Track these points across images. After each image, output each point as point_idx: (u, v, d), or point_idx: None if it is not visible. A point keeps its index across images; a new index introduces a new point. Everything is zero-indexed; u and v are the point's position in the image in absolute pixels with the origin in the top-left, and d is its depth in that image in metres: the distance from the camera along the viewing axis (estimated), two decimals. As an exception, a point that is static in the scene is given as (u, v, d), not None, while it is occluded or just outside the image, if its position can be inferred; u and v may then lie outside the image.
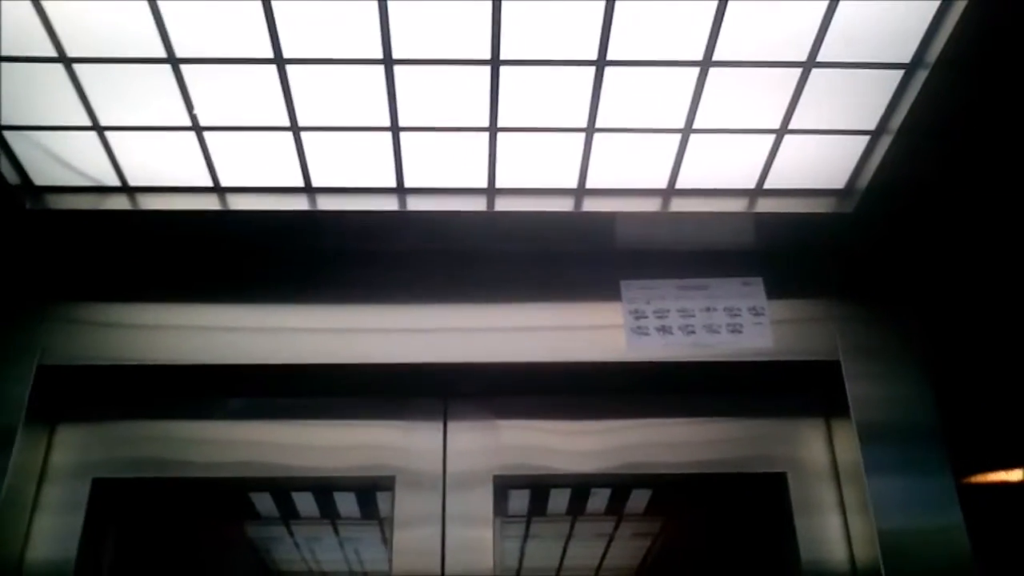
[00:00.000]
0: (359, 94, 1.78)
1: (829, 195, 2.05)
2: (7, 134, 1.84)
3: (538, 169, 1.97)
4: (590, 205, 2.03)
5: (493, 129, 1.86)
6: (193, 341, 2.05)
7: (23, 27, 1.60)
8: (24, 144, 1.86)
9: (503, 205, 2.02)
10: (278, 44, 1.66)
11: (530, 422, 2.13)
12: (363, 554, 2.39)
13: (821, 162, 1.97)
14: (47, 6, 1.58)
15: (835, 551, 2.01)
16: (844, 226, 2.07)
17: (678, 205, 2.04)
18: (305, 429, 2.11)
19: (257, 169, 1.96)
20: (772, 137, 1.90)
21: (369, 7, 1.59)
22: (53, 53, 1.65)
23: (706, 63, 1.72)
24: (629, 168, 1.97)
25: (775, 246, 2.15)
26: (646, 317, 2.11)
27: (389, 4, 1.59)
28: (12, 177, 1.91)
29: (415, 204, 2.01)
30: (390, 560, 1.97)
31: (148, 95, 1.76)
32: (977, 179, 1.94)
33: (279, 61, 1.69)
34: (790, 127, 1.87)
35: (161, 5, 1.58)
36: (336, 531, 2.37)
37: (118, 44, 1.65)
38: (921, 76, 1.70)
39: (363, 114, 1.82)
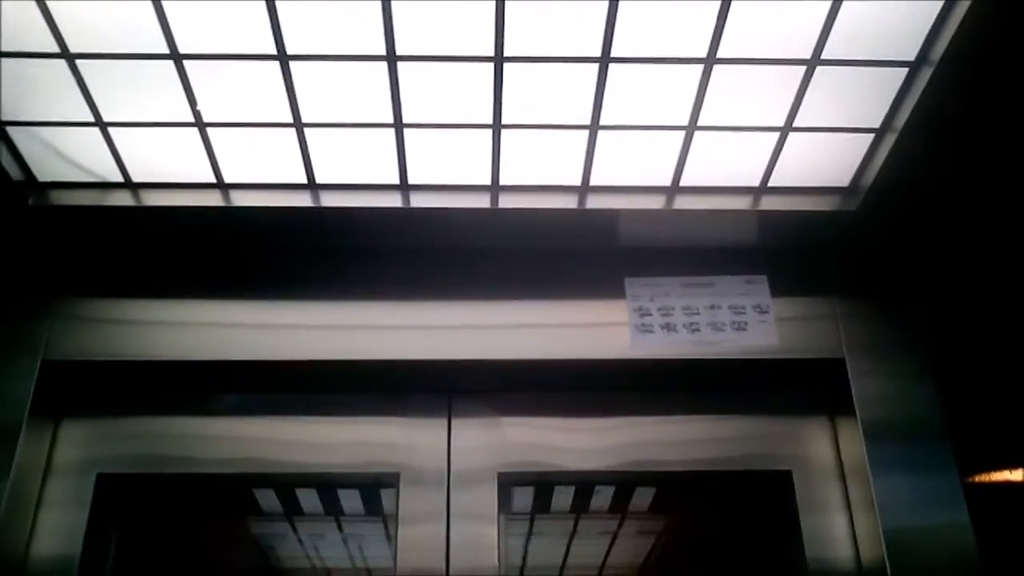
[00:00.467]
0: (362, 90, 1.78)
1: (833, 193, 2.04)
2: (10, 129, 1.84)
3: (542, 166, 1.97)
4: (594, 202, 2.03)
5: (497, 126, 1.86)
6: (197, 337, 2.05)
7: (26, 23, 1.60)
8: (27, 140, 1.87)
9: (507, 202, 2.02)
10: (281, 40, 1.66)
11: (534, 419, 2.13)
12: (367, 551, 2.39)
13: (825, 160, 1.96)
14: (50, 2, 1.58)
15: (840, 549, 2.01)
16: (848, 224, 2.06)
17: (682, 203, 2.03)
18: (309, 425, 2.11)
19: (260, 165, 1.96)
20: (776, 135, 1.89)
21: (372, 4, 1.59)
22: (56, 49, 1.66)
23: (710, 60, 1.72)
24: (633, 165, 1.97)
25: (779, 244, 2.15)
26: (650, 314, 2.10)
27: (393, 1, 1.59)
28: (15, 173, 1.92)
29: (418, 201, 2.01)
30: (394, 557, 1.98)
31: (151, 91, 1.76)
32: (982, 177, 1.93)
33: (282, 57, 1.69)
34: (794, 125, 1.87)
35: (164, 1, 1.58)
36: (340, 528, 2.37)
37: (121, 40, 1.65)
38: (926, 74, 1.69)
39: (366, 111, 1.82)
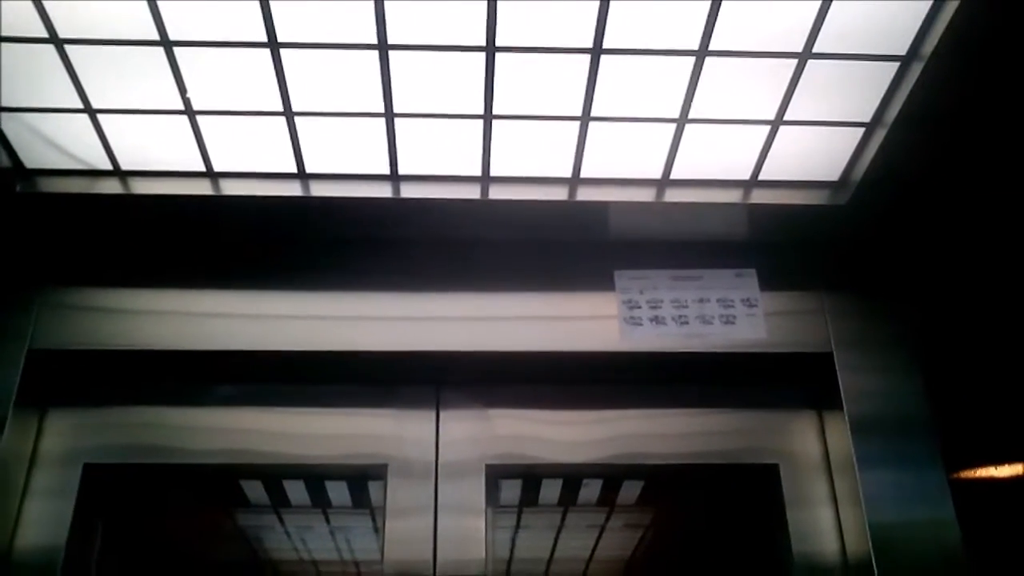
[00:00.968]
0: (353, 79, 1.77)
1: (823, 187, 2.05)
2: (-2, 116, 1.83)
3: (533, 157, 1.97)
4: (584, 194, 2.02)
5: (488, 117, 1.86)
6: (185, 327, 2.05)
7: (14, 8, 1.59)
8: (15, 126, 1.85)
9: (497, 193, 2.02)
10: (272, 28, 1.65)
11: (523, 411, 2.13)
12: (355, 543, 2.38)
13: (816, 154, 1.97)
14: (39, -13, 1.57)
15: (826, 543, 2.01)
16: (838, 218, 2.06)
17: (672, 195, 2.03)
18: (297, 417, 2.10)
19: (250, 154, 1.95)
20: (767, 128, 1.90)
21: (364, -8, 1.59)
22: (45, 34, 1.64)
23: (702, 53, 1.72)
24: (624, 157, 1.97)
25: (769, 237, 2.15)
26: (639, 307, 2.10)
27: (384, -11, 1.59)
28: (3, 159, 1.91)
29: (409, 191, 2.01)
30: (382, 549, 1.97)
31: (141, 78, 1.75)
32: (972, 172, 1.94)
33: (273, 45, 1.69)
34: (785, 118, 1.87)
35: (154, -13, 1.58)
36: (328, 520, 2.36)
37: (111, 26, 1.64)
38: (916, 68, 1.70)
39: (357, 100, 1.82)
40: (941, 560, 1.87)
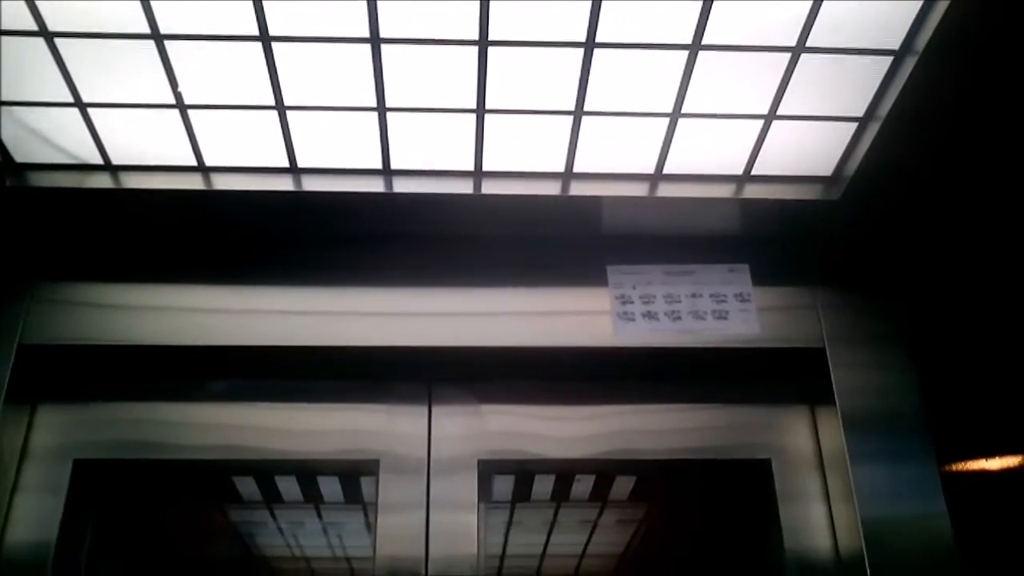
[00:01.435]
0: (346, 73, 1.76)
1: (816, 182, 2.05)
2: (-12, 110, 1.82)
3: (525, 152, 1.97)
4: (577, 189, 2.02)
5: (481, 111, 1.85)
6: (175, 322, 2.04)
7: (4, 1, 1.58)
8: (5, 120, 1.84)
9: (490, 188, 2.01)
10: (264, 21, 1.64)
11: (515, 407, 2.13)
12: (346, 539, 2.38)
13: (809, 149, 1.97)
14: (29, -21, 1.56)
15: (819, 538, 2.01)
16: (831, 213, 2.06)
17: (665, 190, 2.03)
18: (288, 412, 2.09)
19: (242, 149, 1.94)
20: (760, 123, 1.90)
21: (356, -15, 1.58)
22: (34, 27, 1.63)
23: (695, 47, 1.72)
24: (617, 152, 1.97)
25: (762, 233, 2.15)
26: (632, 303, 2.10)
27: (376, -18, 1.58)
28: (-7, 154, 1.90)
29: (401, 186, 2.00)
30: (374, 545, 1.97)
31: (132, 72, 1.74)
32: (965, 167, 1.94)
33: (265, 39, 1.68)
34: (778, 113, 1.87)
35: (145, -20, 1.57)
36: (319, 515, 2.36)
37: (101, 19, 1.63)
38: (909, 63, 1.70)
39: (349, 94, 1.81)
40: (933, 555, 1.87)
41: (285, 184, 1.99)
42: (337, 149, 1.95)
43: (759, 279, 2.14)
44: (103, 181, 1.97)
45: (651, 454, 2.10)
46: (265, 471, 2.23)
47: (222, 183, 1.98)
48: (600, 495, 2.31)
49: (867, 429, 1.99)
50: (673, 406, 2.14)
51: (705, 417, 2.13)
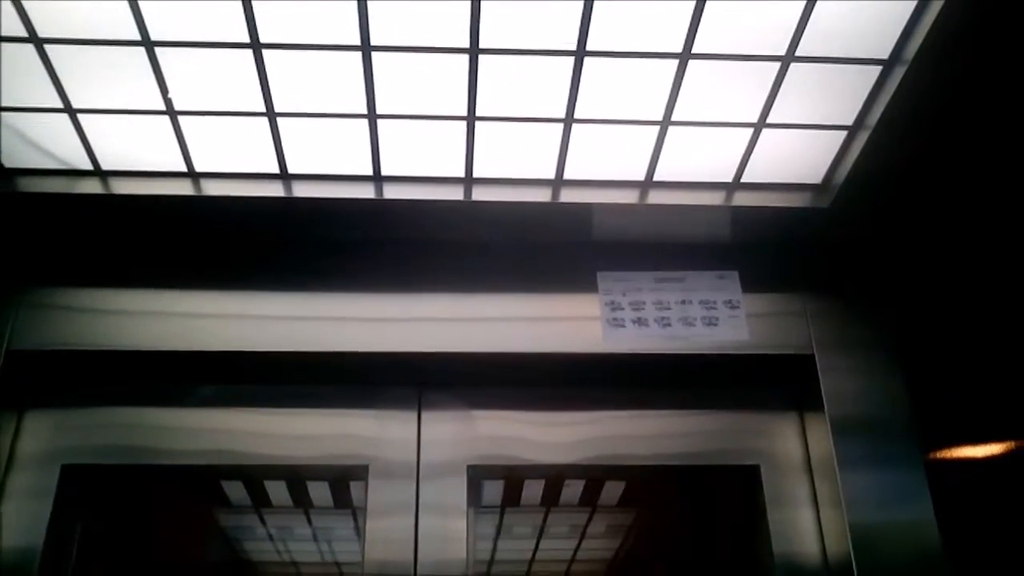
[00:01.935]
0: (336, 80, 1.76)
1: (806, 189, 2.05)
2: (-24, 115, 1.81)
3: (516, 159, 1.97)
4: (568, 196, 2.02)
5: (471, 118, 1.85)
6: (164, 327, 2.03)
7: (-6, 7, 1.58)
8: (-6, 126, 1.84)
9: (480, 195, 2.01)
10: (255, 28, 1.64)
11: (505, 413, 2.13)
12: (336, 544, 2.38)
13: (798, 156, 1.97)
14: (19, -15, 1.55)
15: (807, 544, 2.02)
16: (820, 221, 2.07)
17: (655, 197, 2.04)
18: (278, 417, 2.09)
19: (232, 155, 1.94)
20: (750, 131, 1.90)
21: (347, -8, 1.58)
22: (24, 33, 1.63)
23: (685, 55, 1.72)
24: (607, 159, 1.97)
25: (751, 240, 2.16)
26: (622, 309, 2.10)
27: (367, -10, 1.58)
28: (-18, 159, 1.89)
29: (392, 192, 2.00)
30: (363, 550, 1.97)
31: (122, 77, 1.74)
32: (952, 175, 1.95)
33: (255, 46, 1.68)
34: (768, 121, 1.87)
35: (136, -14, 1.56)
36: (309, 520, 2.36)
37: (91, 25, 1.62)
38: (899, 72, 1.70)
39: (340, 101, 1.81)
40: (921, 561, 1.88)
41: (275, 190, 1.99)
42: (328, 155, 1.95)
43: (748, 286, 2.15)
44: (93, 186, 1.96)
45: (640, 459, 2.11)
46: (254, 476, 2.23)
47: (212, 189, 1.98)
48: (589, 500, 2.31)
49: (855, 435, 2.00)
50: (662, 412, 2.14)
51: (694, 423, 2.14)
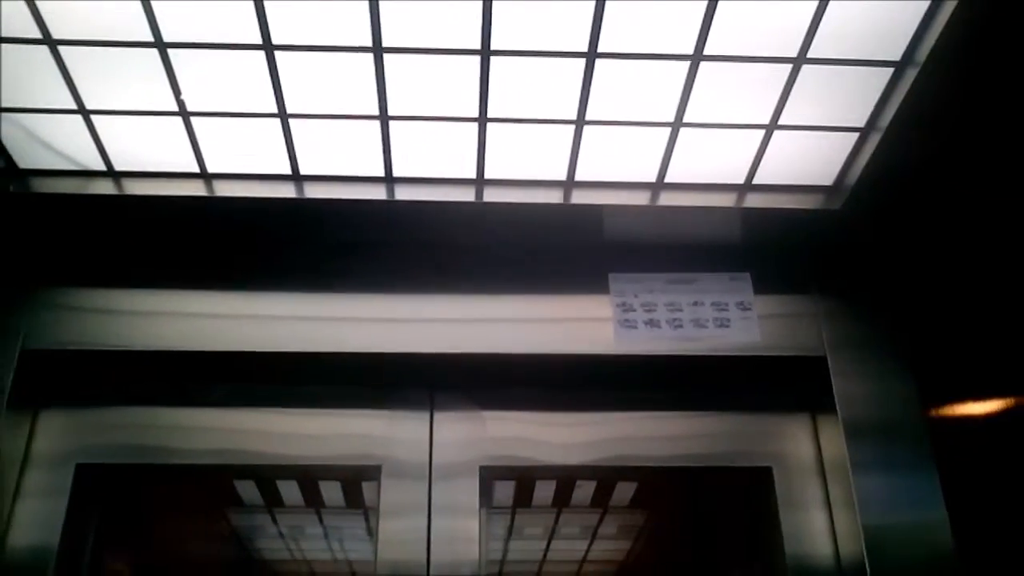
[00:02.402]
0: (348, 82, 1.77)
1: (817, 191, 2.05)
2: (-9, 116, 1.82)
3: (527, 161, 1.97)
4: (579, 197, 2.02)
5: (483, 119, 1.85)
6: (178, 327, 2.04)
7: (8, 8, 1.58)
8: (8, 126, 1.84)
9: (491, 196, 2.01)
10: (267, 30, 1.65)
11: (517, 414, 2.13)
12: (348, 544, 2.39)
13: (810, 158, 1.97)
14: (33, -12, 1.56)
15: (820, 546, 2.02)
16: (832, 222, 2.07)
17: (667, 199, 2.03)
18: (291, 418, 2.10)
19: (244, 156, 1.95)
20: (761, 133, 1.90)
21: (359, -5, 1.59)
22: (38, 35, 1.64)
23: (697, 57, 1.72)
24: (618, 161, 1.97)
25: (763, 241, 2.15)
26: (634, 310, 2.10)
27: (379, -8, 1.58)
28: (-4, 160, 1.90)
29: (403, 194, 2.01)
30: (375, 550, 1.97)
31: (135, 79, 1.74)
32: (966, 177, 1.94)
33: (268, 47, 1.68)
34: (780, 123, 1.87)
35: (149, -11, 1.57)
36: (321, 520, 2.37)
37: (105, 27, 1.63)
38: (911, 74, 1.70)
39: (352, 102, 1.81)
40: (934, 562, 1.87)
41: (287, 191, 1.99)
42: (339, 157, 1.95)
43: (760, 287, 2.15)
44: (106, 187, 1.97)
45: (652, 461, 2.11)
46: (267, 476, 2.23)
47: (224, 190, 1.99)
48: (601, 501, 2.31)
49: (868, 436, 1.99)
50: (674, 413, 2.14)
51: (706, 424, 2.14)
